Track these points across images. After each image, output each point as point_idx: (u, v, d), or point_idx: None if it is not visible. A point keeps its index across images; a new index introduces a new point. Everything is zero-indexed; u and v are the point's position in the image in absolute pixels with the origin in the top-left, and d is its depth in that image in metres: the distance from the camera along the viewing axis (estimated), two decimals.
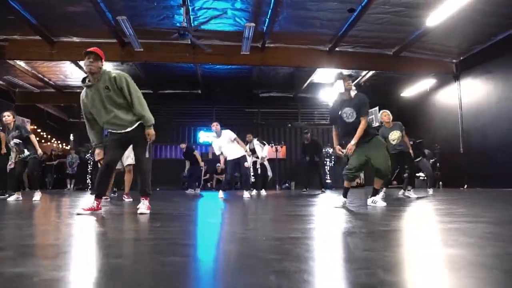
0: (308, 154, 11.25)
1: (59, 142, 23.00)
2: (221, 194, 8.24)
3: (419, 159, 8.85)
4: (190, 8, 10.07)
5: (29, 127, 18.65)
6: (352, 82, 5.07)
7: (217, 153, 8.40)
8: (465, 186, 13.37)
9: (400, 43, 12.50)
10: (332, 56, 13.11)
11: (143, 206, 3.97)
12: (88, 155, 15.44)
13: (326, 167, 16.60)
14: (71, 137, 19.70)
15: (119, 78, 3.96)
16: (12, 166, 7.13)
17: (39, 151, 7.02)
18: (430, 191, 8.91)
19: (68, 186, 15.53)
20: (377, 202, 5.03)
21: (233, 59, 12.85)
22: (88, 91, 4.01)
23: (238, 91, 17.64)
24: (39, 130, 20.80)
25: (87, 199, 6.76)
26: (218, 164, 15.64)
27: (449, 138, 14.46)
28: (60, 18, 10.60)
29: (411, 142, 8.18)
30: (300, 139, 17.42)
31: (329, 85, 16.55)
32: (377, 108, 16.50)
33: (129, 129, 4.02)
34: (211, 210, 5.02)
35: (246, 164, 8.23)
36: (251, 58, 12.71)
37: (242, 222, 3.53)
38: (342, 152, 5.07)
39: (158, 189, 14.72)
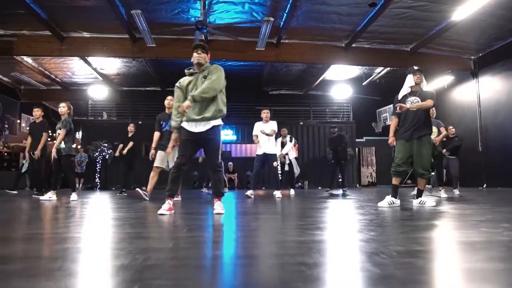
0: (332, 147, 10.82)
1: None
2: (249, 192, 7.88)
3: (453, 157, 8.61)
4: (207, 2, 9.72)
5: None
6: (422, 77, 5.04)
7: (255, 133, 7.99)
8: (484, 186, 13.06)
9: (419, 39, 12.19)
10: (347, 53, 12.78)
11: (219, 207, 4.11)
12: (96, 153, 15.11)
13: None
14: (77, 135, 19.38)
15: (218, 67, 4.17)
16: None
17: (56, 144, 6.82)
18: (456, 191, 8.62)
19: (77, 185, 15.15)
20: (426, 202, 4.80)
21: (247, 56, 12.53)
22: (188, 78, 4.20)
23: (248, 89, 17.31)
24: None
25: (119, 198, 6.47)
26: (230, 163, 15.49)
27: (467, 136, 14.12)
28: (70, 13, 10.24)
29: (455, 138, 8.14)
30: (312, 137, 17.12)
31: (342, 82, 16.43)
32: (391, 106, 16.18)
33: (204, 128, 4.05)
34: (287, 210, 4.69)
35: (274, 164, 7.85)
36: (266, 54, 12.38)
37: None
38: (394, 145, 4.93)
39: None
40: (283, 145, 10.11)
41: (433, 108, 7.09)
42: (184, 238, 2.45)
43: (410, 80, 4.93)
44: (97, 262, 1.73)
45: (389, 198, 4.74)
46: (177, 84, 4.25)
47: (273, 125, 7.97)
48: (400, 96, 5.08)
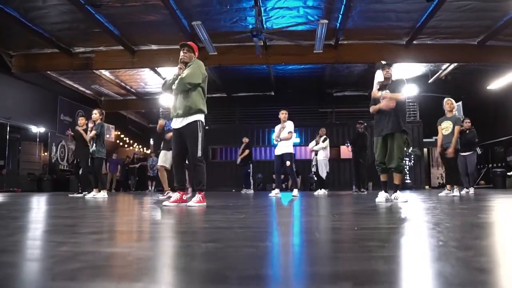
0: (355, 146, 10.75)
1: (140, 146, 24.31)
2: (273, 192, 8.06)
3: (469, 152, 8.00)
4: (262, 9, 10.11)
5: (113, 132, 19.95)
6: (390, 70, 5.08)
7: (275, 136, 8.38)
8: None
9: (486, 31, 11.59)
10: (409, 50, 12.49)
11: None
12: None
13: (406, 166, 15.85)
14: (151, 141, 20.71)
15: (194, 61, 4.42)
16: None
17: (84, 133, 7.93)
18: (471, 190, 8.00)
19: (149, 187, 16.28)
20: (398, 198, 4.80)
21: (306, 58, 12.72)
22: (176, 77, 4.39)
23: (311, 91, 17.47)
24: (122, 136, 22.17)
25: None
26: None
27: None
28: (139, 28, 11.17)
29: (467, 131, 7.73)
30: None
31: (408, 80, 16.00)
32: (460, 103, 15.47)
33: (184, 123, 4.29)
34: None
35: (287, 163, 8.00)
36: (324, 56, 12.48)
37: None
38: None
39: (233, 190, 14.95)
40: (317, 142, 10.30)
41: (453, 103, 6.94)
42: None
43: (379, 76, 4.91)
44: None
45: (383, 194, 4.77)
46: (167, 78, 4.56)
47: (289, 126, 8.26)
48: (373, 93, 5.10)
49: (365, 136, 10.86)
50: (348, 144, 14.75)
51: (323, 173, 10.10)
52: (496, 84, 15.10)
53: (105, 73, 14.77)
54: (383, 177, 4.95)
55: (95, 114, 7.80)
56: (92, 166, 7.72)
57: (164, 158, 7.22)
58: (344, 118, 18.31)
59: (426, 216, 3.06)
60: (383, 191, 4.84)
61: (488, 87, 15.47)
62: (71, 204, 4.97)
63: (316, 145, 10.35)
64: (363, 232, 2.10)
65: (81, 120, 8.77)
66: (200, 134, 4.27)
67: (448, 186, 7.12)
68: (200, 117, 4.31)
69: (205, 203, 4.20)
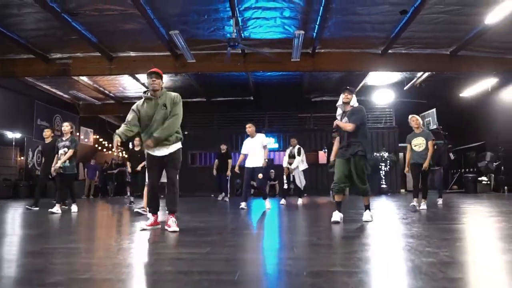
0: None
1: (119, 151, 24.14)
2: (243, 204, 7.91)
3: (436, 168, 8.25)
4: (240, 19, 10.23)
5: (91, 137, 19.79)
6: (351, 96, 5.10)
7: (244, 153, 8.31)
8: None
9: (457, 42, 11.94)
10: (385, 59, 12.76)
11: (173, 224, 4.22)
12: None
13: (381, 172, 16.19)
14: (130, 146, 20.60)
15: (177, 97, 4.37)
16: (54, 173, 7.48)
17: (57, 165, 7.27)
18: (440, 201, 8.44)
19: (128, 193, 16.20)
20: (364, 217, 5.01)
21: (284, 66, 12.87)
22: (146, 102, 4.32)
23: (289, 97, 17.66)
24: (101, 140, 21.99)
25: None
26: (272, 170, 15.84)
27: None
28: (117, 35, 11.16)
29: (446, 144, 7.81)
30: None
31: (384, 87, 16.36)
32: (434, 110, 15.92)
33: (167, 152, 4.28)
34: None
35: (259, 176, 8.01)
36: (302, 64, 12.67)
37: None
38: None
39: (212, 195, 15.01)
40: (291, 155, 10.00)
41: (418, 119, 7.09)
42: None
43: (340, 99, 5.07)
44: None
45: (338, 214, 4.88)
46: (133, 107, 4.38)
47: (261, 139, 8.18)
48: (337, 114, 5.24)
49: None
50: (325, 150, 15.02)
51: (302, 183, 10.05)
52: (468, 92, 15.56)
53: (83, 78, 14.67)
54: (338, 197, 4.97)
55: (66, 126, 7.44)
56: (61, 182, 7.42)
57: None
58: (322, 124, 18.57)
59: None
60: (337, 211, 4.90)
61: (461, 95, 15.92)
62: (33, 219, 4.98)
63: (290, 158, 10.05)
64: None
65: (47, 132, 8.19)
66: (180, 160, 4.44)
67: (416, 200, 7.10)
68: (180, 144, 4.41)
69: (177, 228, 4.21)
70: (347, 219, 5.08)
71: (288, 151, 10.17)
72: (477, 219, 5.62)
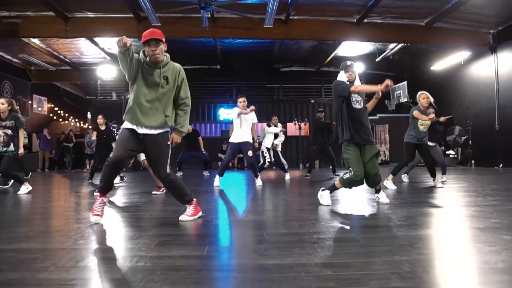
0: (323, 134, 10.20)
1: (77, 120, 22.85)
2: (217, 181, 7.39)
3: (433, 145, 7.93)
4: None
5: (45, 105, 18.45)
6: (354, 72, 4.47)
7: (235, 117, 7.52)
8: (500, 166, 12.68)
9: (434, 12, 11.65)
10: (359, 28, 12.32)
11: None
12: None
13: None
14: (89, 115, 19.47)
15: (182, 71, 3.60)
16: None
17: (21, 151, 6.41)
18: (444, 177, 8.02)
19: (87, 166, 15.25)
20: (380, 198, 4.55)
21: (255, 33, 12.17)
22: (143, 62, 3.39)
23: (258, 66, 17.03)
24: (56, 108, 20.64)
25: None
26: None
27: (484, 114, 13.68)
28: None
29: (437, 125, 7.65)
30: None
31: (355, 58, 15.98)
32: (405, 82, 15.77)
33: (155, 132, 3.43)
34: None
35: (249, 153, 7.37)
36: (274, 31, 12.01)
37: None
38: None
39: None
40: (276, 135, 9.84)
41: (430, 97, 6.59)
42: None
43: (342, 77, 4.44)
44: None
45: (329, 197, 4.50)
46: (138, 56, 3.39)
47: (253, 116, 7.60)
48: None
49: (327, 123, 10.34)
50: (296, 122, 14.61)
51: (263, 160, 9.69)
52: (439, 65, 15.44)
53: (35, 40, 13.33)
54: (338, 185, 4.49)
55: (2, 104, 6.27)
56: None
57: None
58: (291, 94, 18.15)
59: None
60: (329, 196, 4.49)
61: (432, 68, 15.80)
62: None
63: (276, 136, 9.84)
64: None
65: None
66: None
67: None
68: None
69: (199, 213, 3.59)
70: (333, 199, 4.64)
71: (271, 130, 9.71)
72: None
